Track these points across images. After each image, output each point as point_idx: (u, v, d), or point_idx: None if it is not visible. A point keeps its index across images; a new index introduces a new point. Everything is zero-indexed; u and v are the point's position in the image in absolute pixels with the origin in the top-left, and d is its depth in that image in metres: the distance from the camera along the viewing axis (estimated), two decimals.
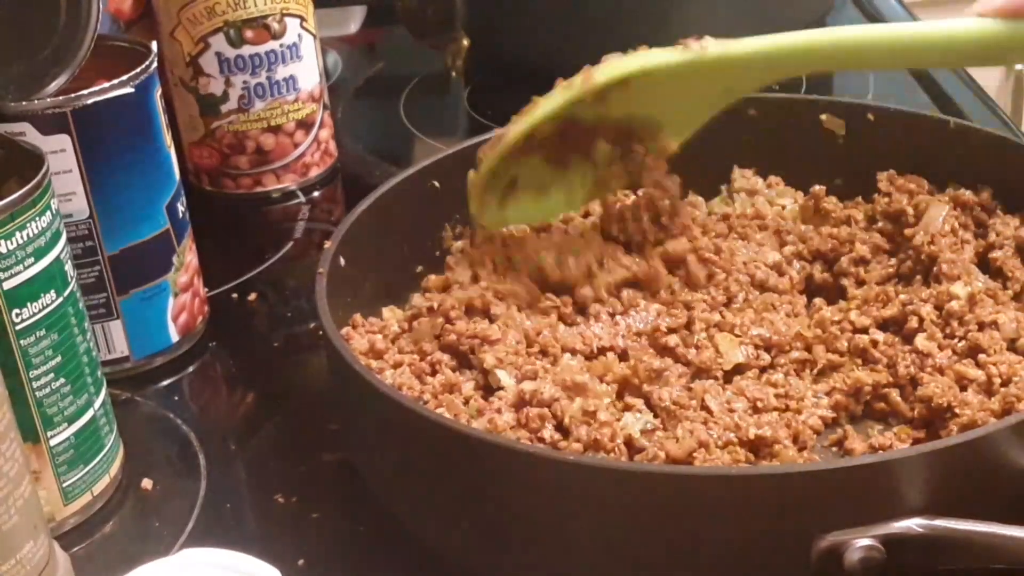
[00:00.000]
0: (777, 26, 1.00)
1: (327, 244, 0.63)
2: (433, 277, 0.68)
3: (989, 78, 1.55)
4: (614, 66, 0.64)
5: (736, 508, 0.48)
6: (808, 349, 0.62)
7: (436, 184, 0.70)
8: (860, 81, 0.98)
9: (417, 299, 0.67)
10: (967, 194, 0.68)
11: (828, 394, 0.60)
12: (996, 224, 0.66)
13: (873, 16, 1.10)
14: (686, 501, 0.48)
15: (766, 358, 0.61)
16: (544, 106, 0.65)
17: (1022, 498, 0.49)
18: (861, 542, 0.46)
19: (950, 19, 0.60)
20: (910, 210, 0.68)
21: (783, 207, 0.73)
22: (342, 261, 0.63)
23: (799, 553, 0.47)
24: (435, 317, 0.63)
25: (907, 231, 0.67)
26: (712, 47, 0.64)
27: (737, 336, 0.62)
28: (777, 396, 0.59)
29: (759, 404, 0.58)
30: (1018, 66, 1.64)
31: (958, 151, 0.69)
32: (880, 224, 0.69)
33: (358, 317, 0.64)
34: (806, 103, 0.76)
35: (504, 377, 0.59)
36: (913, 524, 0.47)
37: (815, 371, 0.61)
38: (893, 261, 0.67)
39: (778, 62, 0.65)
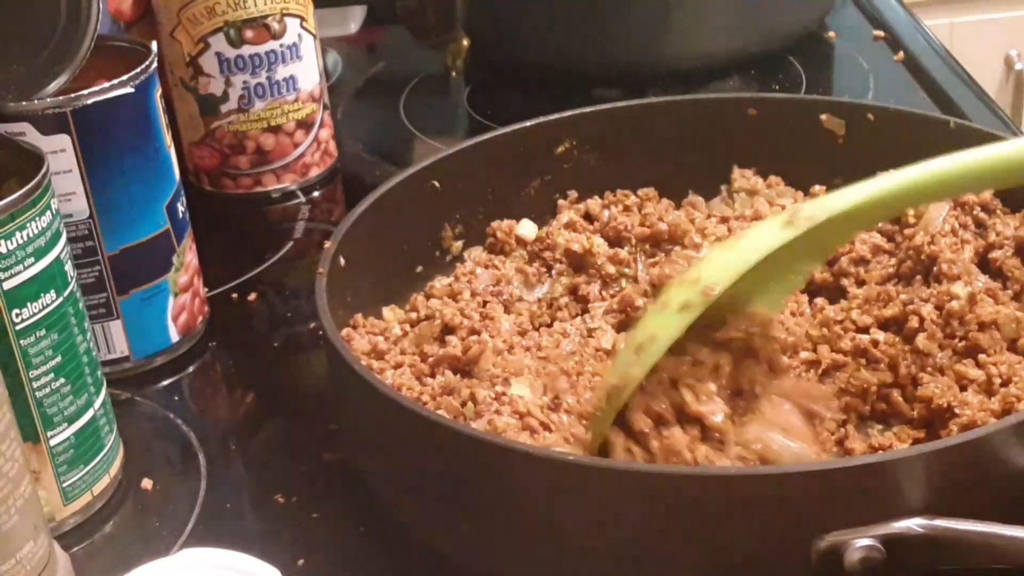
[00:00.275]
0: (777, 26, 1.01)
1: (327, 244, 0.63)
2: (439, 285, 0.68)
3: (989, 78, 1.55)
4: (725, 268, 0.56)
5: (736, 508, 0.47)
6: (814, 349, 0.62)
7: (436, 184, 0.70)
8: (860, 81, 0.98)
9: (420, 301, 0.67)
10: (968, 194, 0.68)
11: (837, 396, 0.60)
12: (996, 224, 0.66)
13: (873, 16, 1.10)
14: (686, 501, 0.48)
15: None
16: (665, 336, 0.55)
17: (1022, 498, 0.49)
18: (861, 542, 0.46)
19: None
20: (910, 210, 0.68)
21: (783, 207, 0.73)
22: (342, 261, 0.63)
23: (799, 553, 0.47)
24: (434, 321, 0.63)
25: (907, 231, 0.67)
26: (810, 212, 0.56)
27: None
28: None
29: None
30: (1018, 65, 1.64)
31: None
32: (880, 224, 0.69)
33: (359, 317, 0.64)
34: (806, 103, 0.76)
35: (520, 388, 0.58)
36: (913, 524, 0.47)
37: (820, 371, 0.61)
38: (893, 261, 0.67)
39: (878, 209, 0.58)
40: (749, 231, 0.58)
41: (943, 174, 0.56)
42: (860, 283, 0.67)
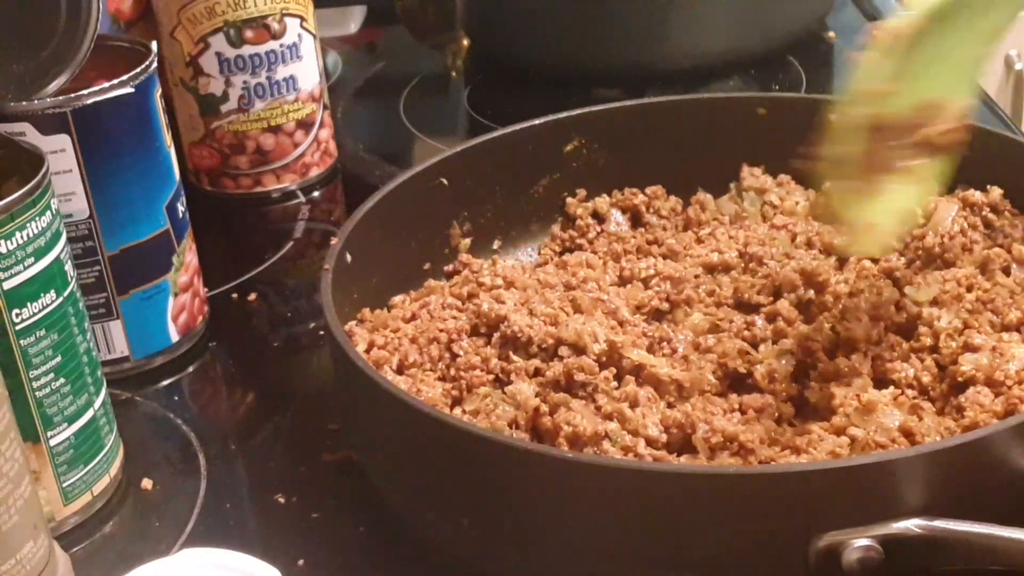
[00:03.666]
0: (777, 26, 1.01)
1: (333, 241, 0.63)
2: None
3: (989, 78, 1.55)
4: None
5: (735, 507, 0.48)
6: None
7: (445, 181, 0.70)
8: None
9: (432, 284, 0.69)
10: (976, 195, 0.68)
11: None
12: (1004, 226, 0.66)
13: (873, 16, 1.10)
14: (685, 500, 0.48)
15: None
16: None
17: (1021, 499, 0.49)
18: (859, 542, 0.46)
19: None
20: (919, 210, 0.68)
21: (796, 204, 0.73)
22: (348, 258, 0.63)
23: (797, 553, 0.47)
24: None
25: (916, 231, 0.67)
26: None
27: None
28: None
29: None
30: (1018, 65, 1.64)
31: (968, 152, 0.69)
32: None
33: (367, 312, 0.64)
34: (816, 102, 0.75)
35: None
36: (911, 525, 0.47)
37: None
38: (902, 261, 0.67)
39: None
40: None
41: None
42: None
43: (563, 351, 0.59)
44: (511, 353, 0.60)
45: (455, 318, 0.64)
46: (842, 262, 0.68)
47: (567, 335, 0.59)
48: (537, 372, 0.59)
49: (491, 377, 0.60)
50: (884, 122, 0.57)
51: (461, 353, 0.61)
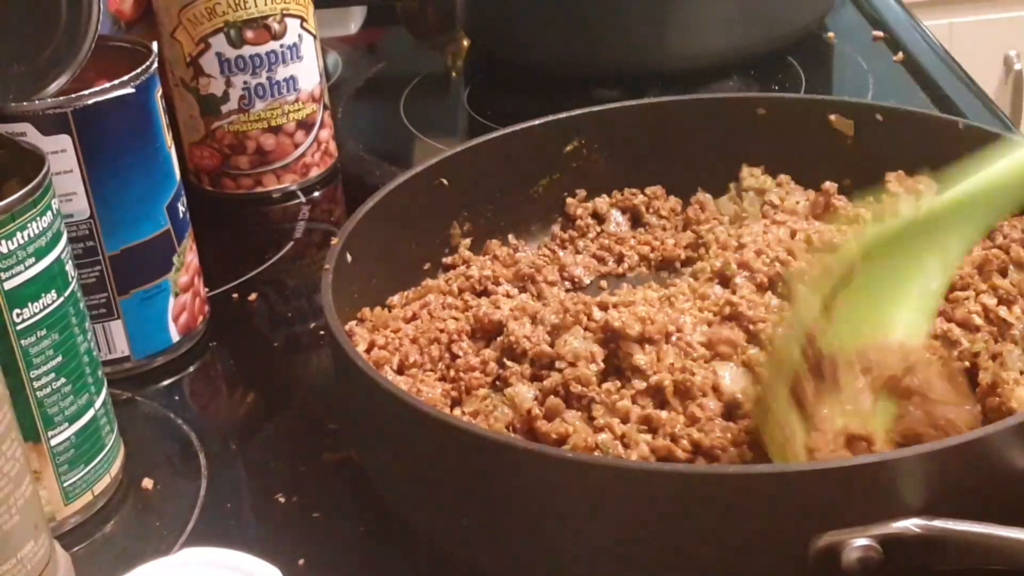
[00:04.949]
0: (777, 27, 1.01)
1: (334, 241, 0.63)
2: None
3: (988, 78, 1.55)
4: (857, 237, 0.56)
5: (735, 507, 0.48)
6: None
7: (445, 182, 0.71)
8: (860, 81, 0.98)
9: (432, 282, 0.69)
10: None
11: None
12: (1003, 227, 0.67)
13: (872, 17, 1.10)
14: (685, 500, 0.48)
15: None
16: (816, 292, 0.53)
17: (1020, 499, 0.49)
18: (859, 542, 0.46)
19: None
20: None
21: (796, 203, 0.73)
22: (349, 258, 0.63)
23: (797, 552, 0.47)
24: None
25: None
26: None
27: None
28: None
29: None
30: (1017, 65, 1.64)
31: (967, 152, 0.69)
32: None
33: (367, 311, 0.64)
34: (815, 103, 0.76)
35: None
36: (911, 524, 0.47)
37: None
38: None
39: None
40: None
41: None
42: None
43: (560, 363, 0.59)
44: (507, 360, 0.60)
45: (455, 319, 0.64)
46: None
47: (564, 352, 0.59)
48: (536, 377, 0.59)
49: (490, 379, 0.60)
50: (816, 360, 0.52)
51: (461, 354, 0.61)
